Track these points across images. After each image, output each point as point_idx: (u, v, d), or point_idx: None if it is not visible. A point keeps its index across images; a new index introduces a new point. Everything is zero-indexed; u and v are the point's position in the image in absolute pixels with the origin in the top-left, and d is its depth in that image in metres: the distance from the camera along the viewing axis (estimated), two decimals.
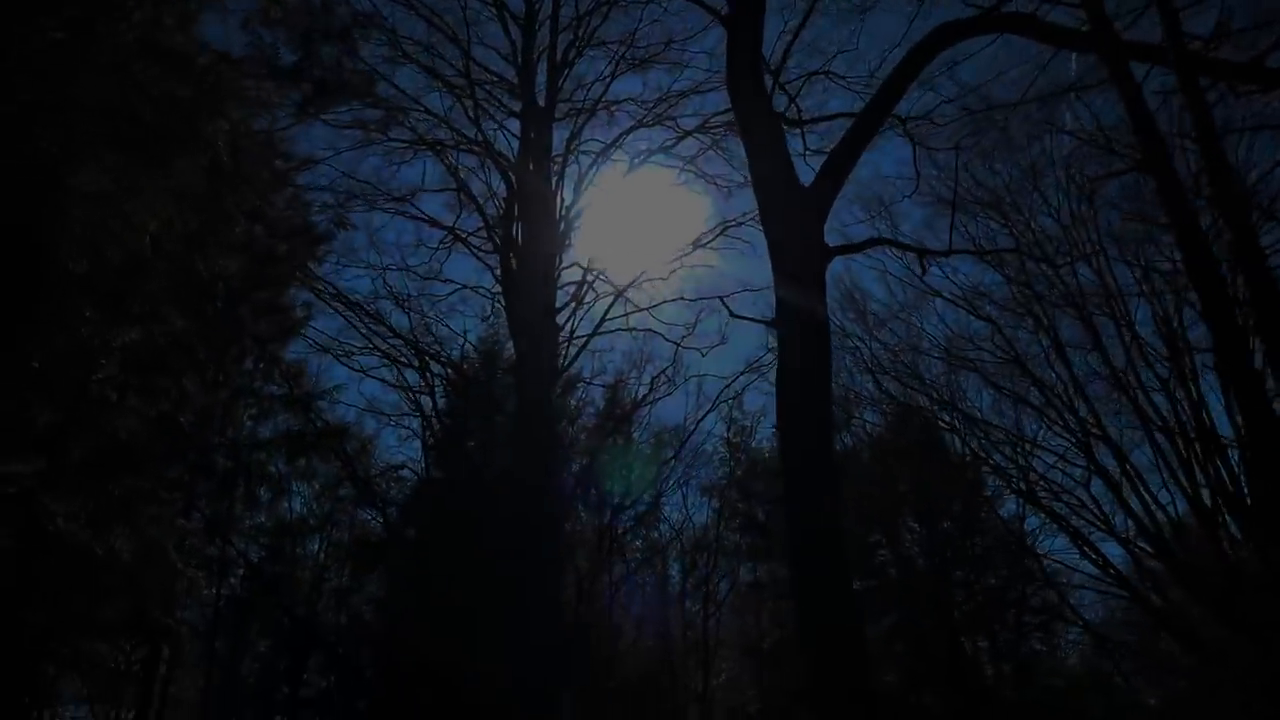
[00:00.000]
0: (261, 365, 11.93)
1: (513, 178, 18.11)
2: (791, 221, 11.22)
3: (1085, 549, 20.61)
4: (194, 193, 8.46)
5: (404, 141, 18.49)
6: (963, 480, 33.36)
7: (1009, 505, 31.34)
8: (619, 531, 27.37)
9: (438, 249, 20.61)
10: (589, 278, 19.90)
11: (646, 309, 21.63)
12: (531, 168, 17.94)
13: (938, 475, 31.95)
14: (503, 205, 19.27)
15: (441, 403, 24.71)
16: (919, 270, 19.09)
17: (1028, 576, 32.13)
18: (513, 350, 22.60)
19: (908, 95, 12.03)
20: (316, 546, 23.93)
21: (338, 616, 23.56)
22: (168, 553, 11.29)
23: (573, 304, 19.53)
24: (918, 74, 12.03)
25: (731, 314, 11.52)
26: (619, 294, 19.69)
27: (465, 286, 20.85)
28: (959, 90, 14.97)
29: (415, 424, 24.88)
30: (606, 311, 20.10)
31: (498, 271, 18.61)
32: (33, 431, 10.64)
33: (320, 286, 15.18)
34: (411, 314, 21.14)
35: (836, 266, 28.39)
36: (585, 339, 20.71)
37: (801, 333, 10.44)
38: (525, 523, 15.29)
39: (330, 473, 21.75)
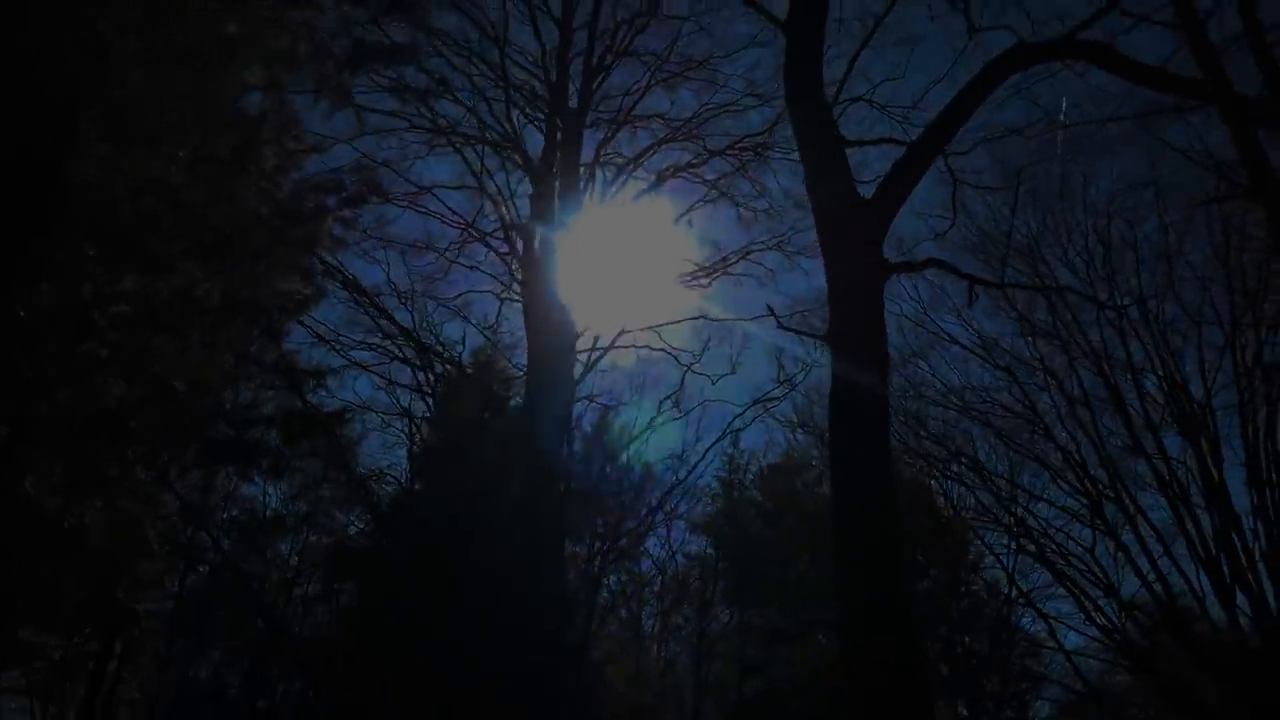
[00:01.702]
0: (267, 336, 11.03)
1: (549, 179, 17.39)
2: (852, 236, 10.67)
3: (1091, 611, 19.88)
4: (225, 120, 7.71)
5: (425, 129, 17.77)
6: (948, 538, 32.79)
7: (991, 569, 30.77)
8: (604, 563, 26.34)
9: (448, 248, 19.92)
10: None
11: (653, 327, 20.99)
12: (559, 171, 17.31)
13: (924, 531, 31.35)
14: (521, 209, 18.64)
15: (432, 407, 23.78)
16: (965, 302, 18.48)
17: (1011, 642, 31.45)
18: (511, 362, 21.87)
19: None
20: (289, 549, 22.82)
21: (303, 625, 22.35)
22: (144, 530, 10.32)
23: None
24: (985, 98, 11.53)
25: (780, 324, 10.87)
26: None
27: (489, 291, 20.04)
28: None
29: (403, 426, 23.90)
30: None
31: (517, 274, 17.93)
32: (13, 386, 9.72)
33: (331, 262, 14.40)
34: (415, 312, 20.28)
35: None
36: (601, 352, 19.99)
37: (859, 349, 9.82)
38: (528, 553, 14.53)
39: (316, 469, 20.64)
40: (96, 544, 10.08)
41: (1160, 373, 19.42)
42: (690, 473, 26.95)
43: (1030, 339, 21.46)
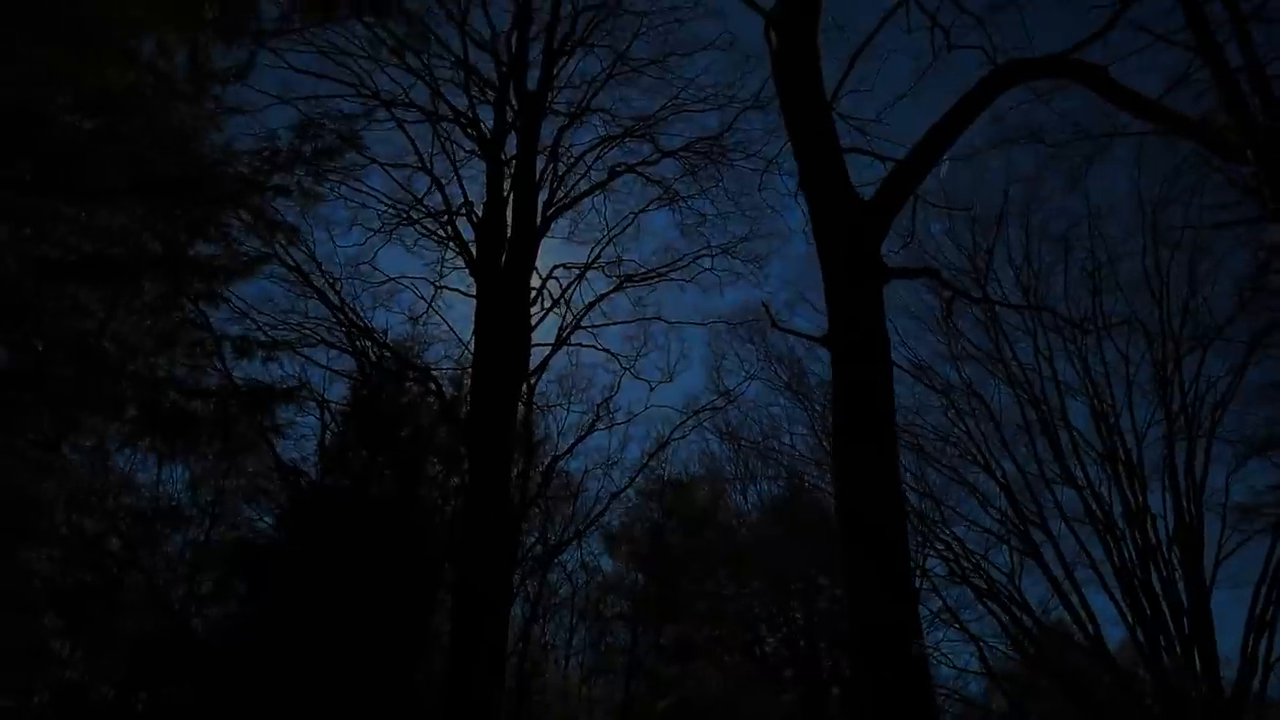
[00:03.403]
0: (208, 300, 9.82)
1: (503, 164, 16.44)
2: (852, 239, 10.36)
3: (1019, 639, 20.06)
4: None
5: (366, 98, 16.53)
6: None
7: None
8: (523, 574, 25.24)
9: (379, 230, 18.69)
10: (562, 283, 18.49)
11: (592, 327, 20.31)
12: (517, 157, 16.46)
13: (824, 552, 31.50)
14: (466, 192, 17.63)
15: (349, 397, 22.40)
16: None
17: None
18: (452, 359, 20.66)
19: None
20: (181, 541, 21.00)
21: (196, 625, 20.58)
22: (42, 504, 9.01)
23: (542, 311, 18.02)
24: (982, 110, 11.38)
25: (775, 324, 10.36)
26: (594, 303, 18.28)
27: (421, 278, 18.87)
28: None
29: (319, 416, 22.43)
30: (579, 320, 18.63)
31: (457, 262, 16.90)
32: None
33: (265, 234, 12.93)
34: (340, 295, 18.86)
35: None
36: (549, 351, 19.11)
37: (861, 353, 9.47)
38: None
39: (210, 459, 18.88)
40: None
41: (1091, 401, 19.91)
42: (628, 485, 26.12)
43: (958, 362, 21.81)
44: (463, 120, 17.08)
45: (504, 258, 15.44)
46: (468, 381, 20.30)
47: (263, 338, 13.49)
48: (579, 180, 18.51)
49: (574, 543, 25.72)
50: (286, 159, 8.72)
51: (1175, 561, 18.48)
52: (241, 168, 8.42)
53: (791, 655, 32.60)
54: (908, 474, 23.17)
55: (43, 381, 8.08)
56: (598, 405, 23.56)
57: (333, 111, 12.62)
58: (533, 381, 20.66)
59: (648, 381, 22.33)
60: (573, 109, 18.65)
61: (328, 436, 23.15)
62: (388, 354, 19.04)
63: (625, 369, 21.12)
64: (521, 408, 20.10)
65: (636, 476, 26.99)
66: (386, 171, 17.11)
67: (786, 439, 26.01)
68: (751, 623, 32.36)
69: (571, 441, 23.71)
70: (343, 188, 15.04)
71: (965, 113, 10.97)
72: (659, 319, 20.85)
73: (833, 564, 32.39)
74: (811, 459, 27.39)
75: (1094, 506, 19.28)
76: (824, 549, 31.50)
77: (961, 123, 11.10)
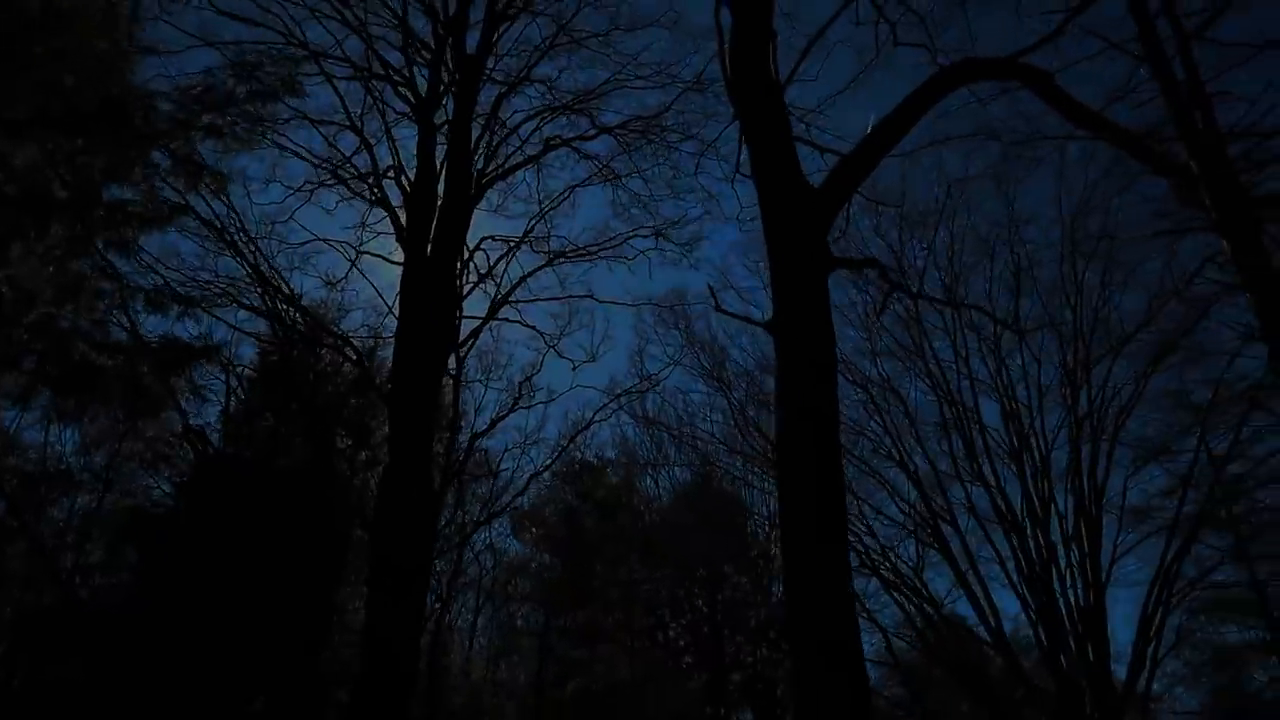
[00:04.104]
0: (117, 247, 9.01)
1: (434, 128, 15.77)
2: (799, 226, 10.34)
3: (923, 630, 20.56)
4: None
5: (293, 43, 15.58)
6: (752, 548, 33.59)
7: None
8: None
9: (300, 188, 17.75)
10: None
11: (518, 303, 19.89)
12: (452, 120, 15.85)
13: (727, 542, 31.85)
14: (397, 155, 16.94)
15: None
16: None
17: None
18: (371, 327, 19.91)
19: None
20: (70, 508, 19.69)
21: (75, 597, 19.39)
22: None
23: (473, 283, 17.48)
24: (932, 105, 11.46)
25: (718, 307, 10.25)
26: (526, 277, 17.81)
27: (344, 242, 18.03)
28: None
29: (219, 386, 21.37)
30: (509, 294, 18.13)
31: (380, 225, 16.20)
32: None
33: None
34: (256, 255, 17.83)
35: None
36: (480, 322, 18.54)
37: (805, 340, 9.47)
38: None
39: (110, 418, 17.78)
40: None
41: (1003, 402, 20.52)
42: (549, 466, 25.70)
43: (878, 358, 22.23)
44: (396, 80, 16.39)
45: (434, 226, 14.88)
46: (384, 352, 19.64)
47: (177, 292, 12.64)
48: (514, 152, 18.03)
49: (488, 523, 25.25)
50: (221, 98, 8.11)
51: (1074, 560, 19.21)
52: (167, 105, 7.78)
53: (694, 641, 32.88)
54: None
55: None
56: (519, 383, 23.05)
57: (272, 52, 11.83)
58: (462, 354, 20.09)
59: (571, 361, 21.88)
60: (511, 78, 18.14)
61: (233, 402, 22.13)
62: (305, 318, 18.06)
63: (550, 346, 20.71)
64: (448, 382, 19.57)
65: (558, 457, 26.66)
66: (316, 128, 16.23)
67: (704, 425, 25.96)
68: (657, 609, 32.49)
69: (491, 419, 23.18)
70: (268, 138, 14.14)
71: (914, 108, 11.01)
72: (590, 296, 20.49)
73: (738, 554, 32.94)
74: (726, 445, 27.51)
75: (1000, 504, 19.86)
76: (732, 538, 31.90)
77: (910, 118, 11.15)
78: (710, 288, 11.27)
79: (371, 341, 19.78)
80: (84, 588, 19.48)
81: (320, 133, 16.52)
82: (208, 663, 17.41)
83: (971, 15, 13.90)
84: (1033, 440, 20.20)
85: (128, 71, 8.33)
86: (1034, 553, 19.44)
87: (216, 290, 17.02)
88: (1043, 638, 18.39)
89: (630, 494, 30.96)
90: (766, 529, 32.96)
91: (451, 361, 19.95)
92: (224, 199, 15.59)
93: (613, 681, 27.57)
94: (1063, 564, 19.31)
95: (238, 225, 17.19)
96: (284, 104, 11.69)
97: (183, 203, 9.77)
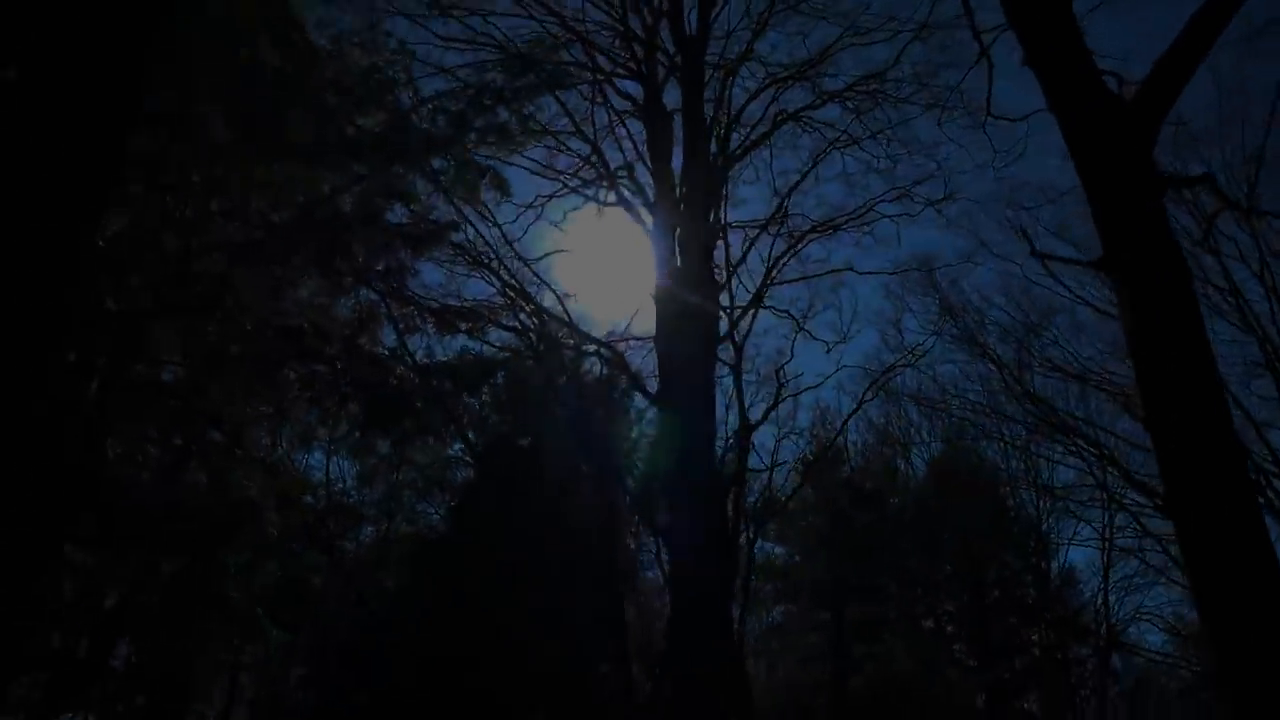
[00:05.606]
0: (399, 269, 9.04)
1: (669, 123, 15.11)
2: (1118, 144, 8.85)
3: None
4: None
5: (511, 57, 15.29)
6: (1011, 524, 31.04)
7: None
8: None
9: (533, 203, 17.55)
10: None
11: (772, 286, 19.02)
12: (684, 114, 15.23)
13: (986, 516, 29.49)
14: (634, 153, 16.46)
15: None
16: None
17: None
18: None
19: None
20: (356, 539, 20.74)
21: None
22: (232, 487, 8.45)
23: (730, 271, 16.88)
24: None
25: (1034, 251, 8.88)
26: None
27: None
28: None
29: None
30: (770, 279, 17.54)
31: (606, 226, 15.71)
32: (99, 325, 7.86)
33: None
34: (504, 271, 17.67)
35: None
36: (743, 310, 17.99)
37: (1153, 271, 8.01)
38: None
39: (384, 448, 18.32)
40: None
41: None
42: (819, 455, 24.54)
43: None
44: (621, 74, 15.91)
45: (679, 217, 14.29)
46: (630, 354, 19.18)
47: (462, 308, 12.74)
48: (749, 132, 17.17)
49: (769, 519, 24.42)
50: (492, 97, 7.83)
51: None
52: (437, 114, 7.59)
53: (962, 628, 30.57)
54: None
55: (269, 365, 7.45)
56: (777, 370, 21.66)
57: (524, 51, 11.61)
58: (740, 345, 19.28)
59: (824, 342, 20.42)
60: (731, 60, 17.27)
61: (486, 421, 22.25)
62: (564, 329, 17.59)
63: (801, 328, 19.50)
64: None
65: (831, 445, 25.46)
66: (554, 136, 15.97)
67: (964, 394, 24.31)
68: (927, 593, 30.50)
69: (763, 411, 21.98)
70: (538, 136, 13.80)
71: None
72: (850, 269, 19.19)
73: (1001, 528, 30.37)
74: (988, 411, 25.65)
75: None
76: (992, 511, 29.37)
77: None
78: (1023, 230, 9.87)
79: (625, 345, 19.08)
80: (381, 613, 20.42)
81: (560, 142, 16.23)
82: (504, 679, 17.65)
83: None
84: None
85: (389, 93, 8.29)
86: None
87: (469, 307, 17.04)
88: None
89: (893, 476, 29.34)
90: (1036, 500, 30.30)
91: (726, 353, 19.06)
92: (481, 209, 15.23)
93: (891, 674, 26.07)
94: None
95: (485, 244, 17.16)
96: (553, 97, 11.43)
97: (455, 220, 9.63)
